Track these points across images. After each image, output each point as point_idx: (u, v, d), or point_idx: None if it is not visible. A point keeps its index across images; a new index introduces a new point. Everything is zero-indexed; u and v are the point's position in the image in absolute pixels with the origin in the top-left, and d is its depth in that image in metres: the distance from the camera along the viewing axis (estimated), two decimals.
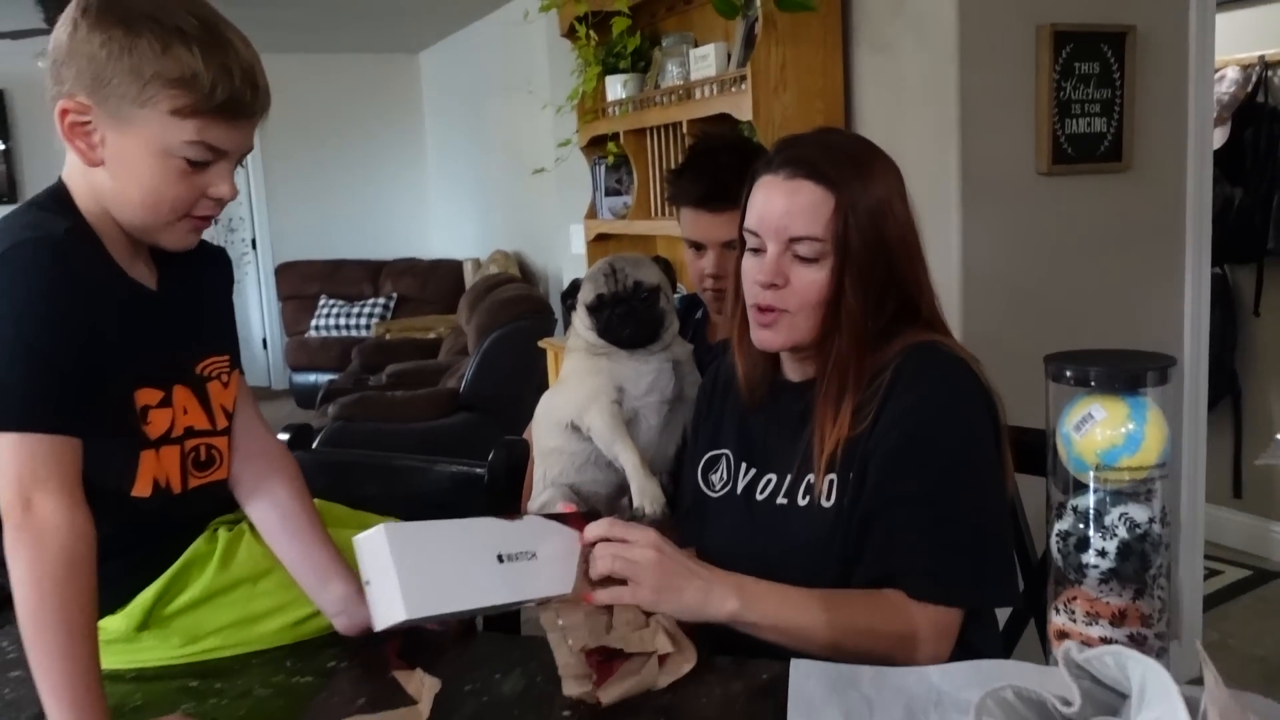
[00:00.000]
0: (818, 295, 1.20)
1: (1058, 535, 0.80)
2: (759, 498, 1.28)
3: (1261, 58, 3.49)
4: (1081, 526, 0.78)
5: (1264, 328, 3.62)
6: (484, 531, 1.06)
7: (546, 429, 1.69)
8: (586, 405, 1.62)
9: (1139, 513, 0.76)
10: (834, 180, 1.18)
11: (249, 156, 1.13)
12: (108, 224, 1.08)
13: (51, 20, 5.21)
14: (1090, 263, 2.49)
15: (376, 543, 0.97)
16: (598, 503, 1.66)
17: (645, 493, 1.54)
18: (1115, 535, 0.76)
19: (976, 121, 2.30)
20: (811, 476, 1.21)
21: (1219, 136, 3.41)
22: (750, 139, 2.41)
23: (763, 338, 1.25)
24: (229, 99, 1.02)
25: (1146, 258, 2.58)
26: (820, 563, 1.18)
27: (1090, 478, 0.77)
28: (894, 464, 1.16)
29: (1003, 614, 1.34)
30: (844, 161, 1.21)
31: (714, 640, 1.10)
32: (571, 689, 1.00)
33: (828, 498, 1.19)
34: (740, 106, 2.50)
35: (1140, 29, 2.45)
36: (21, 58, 5.78)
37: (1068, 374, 0.76)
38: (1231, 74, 3.52)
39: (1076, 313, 2.46)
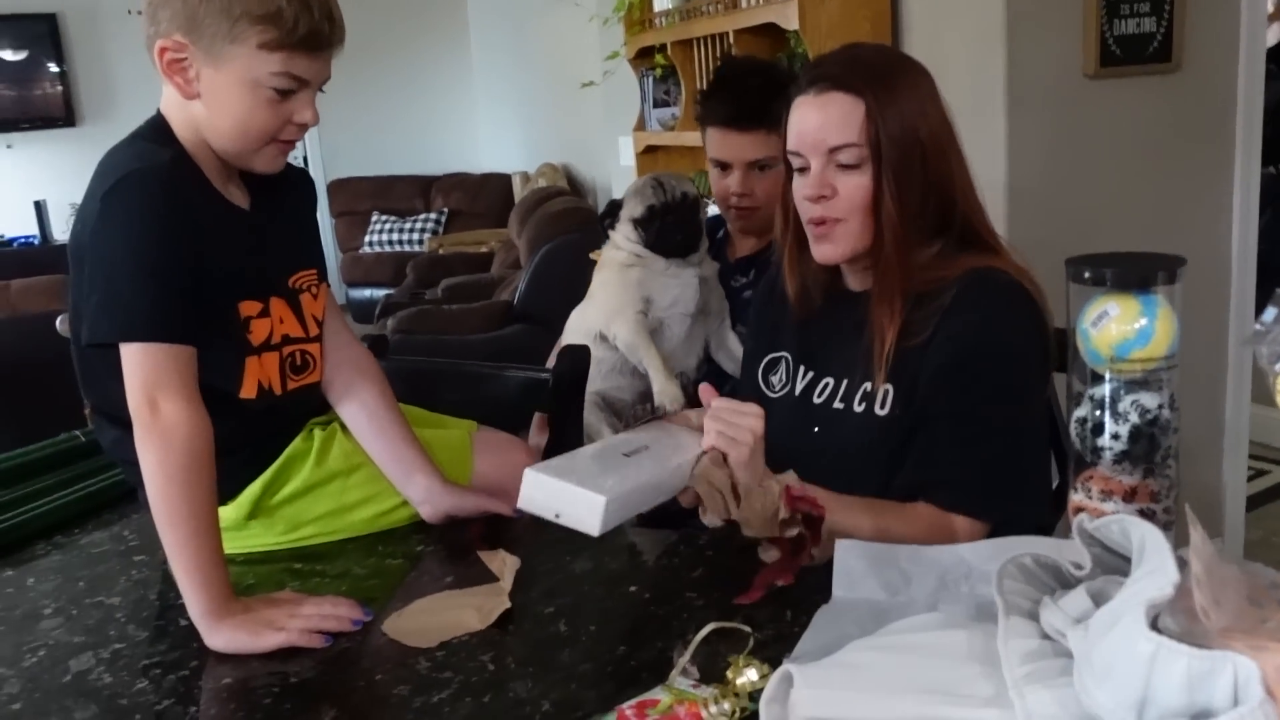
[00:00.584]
0: (864, 199, 1.25)
1: (1076, 421, 0.88)
2: (816, 400, 1.35)
3: None
4: (1098, 413, 0.86)
5: None
6: (598, 447, 1.21)
7: (576, 340, 1.79)
8: (614, 315, 1.71)
9: (1149, 400, 0.84)
10: (861, 88, 1.23)
11: None
12: (204, 151, 1.18)
13: None
14: (1138, 165, 2.48)
15: (537, 480, 1.06)
16: (623, 408, 1.77)
17: (666, 393, 1.64)
18: (1128, 420, 0.84)
19: (1023, 25, 2.29)
20: (869, 384, 1.28)
21: (1275, 33, 3.33)
22: (775, 64, 2.43)
23: (823, 251, 1.30)
24: (310, 32, 1.11)
25: (1195, 159, 2.55)
26: (868, 466, 1.26)
27: (1106, 369, 0.84)
28: (942, 380, 1.22)
29: None
30: (869, 70, 1.26)
31: None
32: (753, 530, 1.07)
33: (882, 406, 1.26)
34: (786, 15, 2.50)
35: None
36: None
37: (1086, 275, 0.83)
38: None
39: (1124, 215, 2.46)
